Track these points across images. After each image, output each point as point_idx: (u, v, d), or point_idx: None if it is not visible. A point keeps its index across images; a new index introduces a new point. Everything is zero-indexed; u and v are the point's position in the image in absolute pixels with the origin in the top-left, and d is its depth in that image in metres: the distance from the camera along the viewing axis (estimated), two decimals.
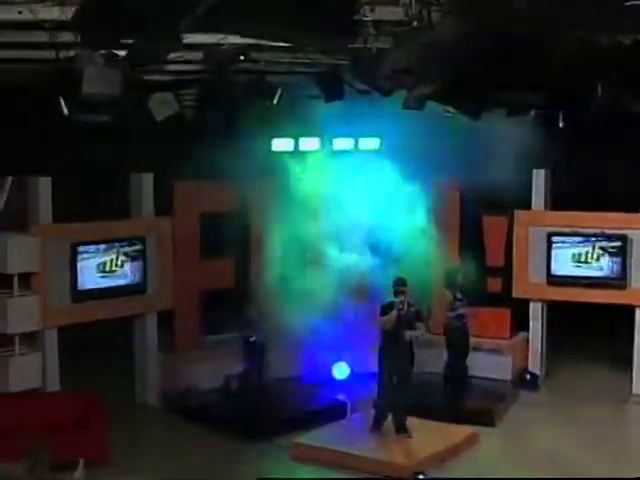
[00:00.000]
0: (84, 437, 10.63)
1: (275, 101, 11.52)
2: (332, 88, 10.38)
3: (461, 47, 5.43)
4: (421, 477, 9.93)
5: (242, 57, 9.04)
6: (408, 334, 11.19)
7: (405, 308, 11.20)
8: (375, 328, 11.62)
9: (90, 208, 12.62)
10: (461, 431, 11.52)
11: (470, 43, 5.39)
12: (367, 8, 6.17)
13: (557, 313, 14.17)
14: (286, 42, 6.61)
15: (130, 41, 6.24)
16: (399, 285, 11.24)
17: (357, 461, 10.65)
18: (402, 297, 11.19)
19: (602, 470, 10.51)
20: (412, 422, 11.49)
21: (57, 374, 12.09)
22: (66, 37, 8.18)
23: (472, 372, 13.51)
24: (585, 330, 14.62)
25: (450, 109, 9.96)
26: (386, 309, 11.25)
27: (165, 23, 4.41)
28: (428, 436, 11.27)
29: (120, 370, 13.32)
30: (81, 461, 9.83)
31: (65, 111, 8.86)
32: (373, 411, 11.65)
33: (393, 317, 11.15)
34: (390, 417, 11.41)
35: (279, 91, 11.46)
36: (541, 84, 7.80)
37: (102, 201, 12.94)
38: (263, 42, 8.28)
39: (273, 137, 13.85)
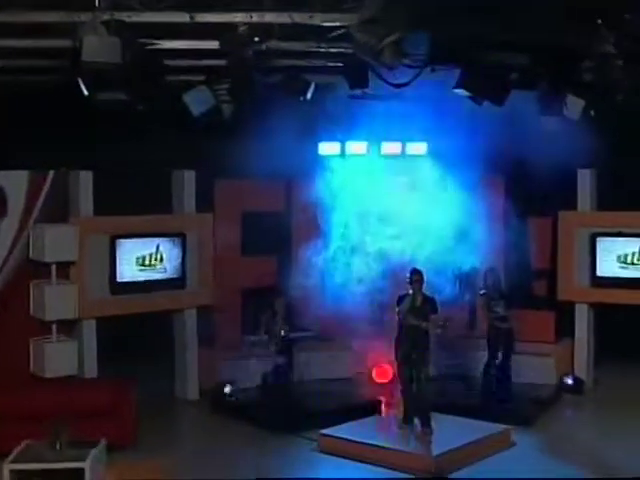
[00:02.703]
0: (111, 421, 10.83)
1: (308, 96, 11.63)
2: (355, 75, 10.42)
3: None
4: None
5: (257, 39, 9.16)
6: (424, 325, 11.11)
7: (419, 298, 11.15)
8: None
9: (134, 204, 12.87)
10: (491, 427, 11.29)
11: None
12: None
13: (607, 317, 13.84)
14: None
15: None
16: (413, 275, 11.21)
17: (377, 453, 10.55)
18: (415, 286, 11.14)
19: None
20: (442, 418, 11.35)
21: (95, 363, 12.35)
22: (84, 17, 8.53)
23: (515, 376, 13.23)
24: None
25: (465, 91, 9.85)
26: (401, 300, 11.22)
27: None
28: (455, 431, 11.11)
29: (163, 364, 13.55)
30: (102, 440, 10.11)
31: (85, 92, 9.09)
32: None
33: (406, 306, 11.11)
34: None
35: (312, 86, 11.58)
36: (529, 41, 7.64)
37: (146, 197, 13.17)
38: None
39: (319, 138, 13.99)
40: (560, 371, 13.64)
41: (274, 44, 9.99)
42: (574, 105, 10.96)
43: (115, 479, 9.96)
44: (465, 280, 13.76)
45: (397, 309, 11.29)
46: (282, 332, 12.49)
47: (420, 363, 11.21)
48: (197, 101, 10.81)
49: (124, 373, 12.11)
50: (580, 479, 9.94)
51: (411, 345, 11.20)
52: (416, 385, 11.26)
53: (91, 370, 12.31)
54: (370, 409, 12.39)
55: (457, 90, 10.35)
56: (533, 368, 13.49)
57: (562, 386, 13.48)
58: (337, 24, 8.64)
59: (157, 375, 13.43)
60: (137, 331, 13.49)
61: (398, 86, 11.21)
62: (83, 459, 9.43)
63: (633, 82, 9.85)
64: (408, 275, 11.28)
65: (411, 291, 11.22)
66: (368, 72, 10.45)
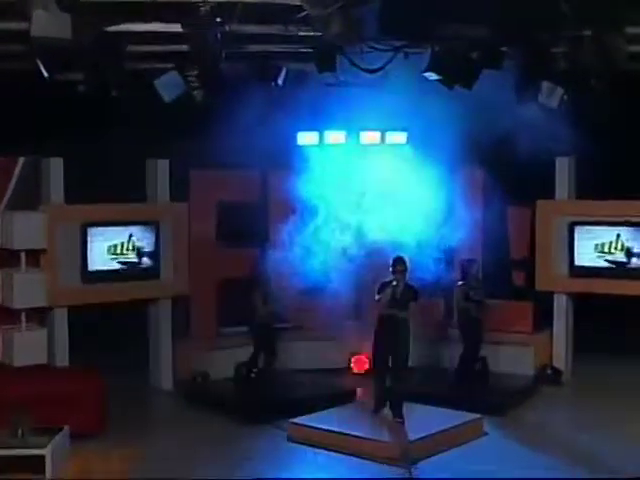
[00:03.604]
0: (78, 409, 10.68)
1: (280, 82, 11.52)
2: (323, 58, 10.31)
3: None
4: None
5: (219, 19, 9.04)
6: (402, 314, 10.96)
7: (400, 288, 10.94)
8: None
9: (108, 193, 12.71)
10: (462, 416, 11.15)
11: None
12: None
13: (588, 307, 13.66)
14: None
15: None
16: (396, 264, 10.98)
17: (346, 441, 10.42)
18: (398, 276, 10.93)
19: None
20: (413, 407, 11.23)
21: (66, 352, 12.24)
22: None
23: (493, 366, 13.18)
24: (619, 324, 14.13)
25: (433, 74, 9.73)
26: (383, 287, 11.02)
27: None
28: (425, 419, 10.99)
29: (139, 354, 13.43)
30: (65, 428, 10.03)
31: (45, 73, 8.98)
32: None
33: (386, 296, 10.90)
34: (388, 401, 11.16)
35: (284, 71, 11.47)
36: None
37: (121, 186, 13.02)
38: None
39: (297, 128, 13.87)
40: (538, 362, 13.50)
41: (240, 27, 9.95)
42: (552, 93, 10.87)
43: (78, 466, 9.92)
44: (450, 258, 13.63)
45: (377, 297, 11.08)
46: (258, 321, 12.41)
47: (398, 352, 11.03)
48: (168, 87, 10.73)
49: (99, 363, 11.95)
50: (539, 479, 9.71)
51: (390, 334, 11.00)
52: (391, 374, 11.10)
53: (62, 359, 12.19)
54: (346, 399, 12.30)
55: (427, 73, 10.28)
56: (511, 359, 13.36)
57: (540, 377, 13.34)
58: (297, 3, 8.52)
59: (132, 365, 13.33)
60: (114, 320, 13.46)
61: (370, 72, 11.17)
62: (44, 446, 9.42)
63: (603, 65, 9.73)
64: (391, 263, 11.04)
65: (395, 282, 10.97)
66: (336, 55, 10.37)
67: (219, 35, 9.78)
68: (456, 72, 9.98)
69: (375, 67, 10.84)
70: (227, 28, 9.44)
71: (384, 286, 11.05)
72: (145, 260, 12.91)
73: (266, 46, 11.03)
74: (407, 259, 11.19)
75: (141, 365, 13.35)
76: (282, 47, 11.11)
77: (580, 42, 9.94)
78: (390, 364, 11.14)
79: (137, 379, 13.19)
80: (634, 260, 12.87)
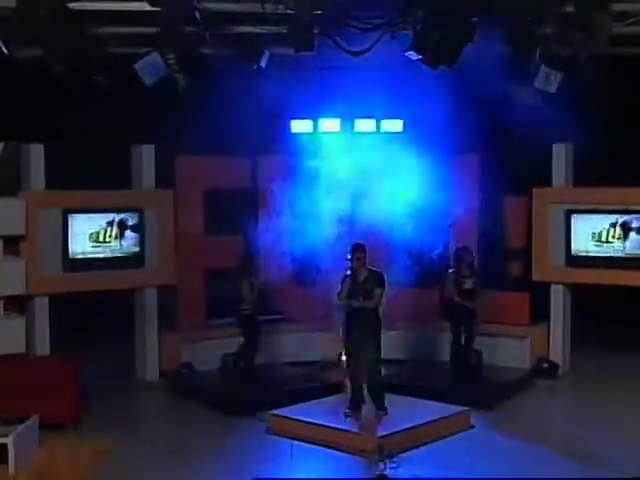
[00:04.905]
0: (53, 399, 10.44)
1: (263, 64, 11.21)
2: (301, 37, 9.99)
3: None
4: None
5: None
6: (367, 304, 10.40)
7: (363, 276, 10.43)
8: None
9: (94, 179, 12.45)
10: (448, 409, 10.79)
11: None
12: None
13: (589, 300, 13.21)
14: None
15: None
16: (355, 252, 10.42)
17: (323, 434, 10.13)
18: (357, 264, 10.40)
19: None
20: (399, 400, 10.94)
21: (47, 341, 12.02)
22: None
23: (489, 359, 12.76)
24: (620, 318, 13.71)
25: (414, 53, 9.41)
26: (343, 280, 10.53)
27: None
28: (409, 412, 10.62)
29: (127, 344, 13.20)
30: (33, 417, 9.80)
31: (4, 50, 8.75)
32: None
33: (345, 287, 10.41)
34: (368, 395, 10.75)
35: (266, 53, 11.16)
36: None
37: (106, 173, 12.73)
38: None
39: (290, 114, 13.57)
40: (535, 355, 13.10)
41: (214, 5, 9.69)
42: (549, 78, 10.51)
43: (45, 456, 9.66)
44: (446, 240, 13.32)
45: (339, 289, 10.55)
46: (244, 311, 12.18)
47: (370, 344, 10.49)
48: (149, 70, 10.47)
49: (84, 353, 11.77)
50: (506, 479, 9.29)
51: (359, 328, 10.52)
52: (368, 369, 10.61)
53: (43, 348, 11.97)
54: (333, 391, 11.94)
55: (409, 53, 9.95)
56: (507, 351, 12.99)
57: (536, 370, 12.93)
58: None
59: (117, 355, 13.15)
60: (99, 310, 13.30)
61: (355, 54, 10.86)
62: (6, 435, 9.19)
63: (588, 44, 9.36)
64: (349, 251, 10.48)
65: (349, 272, 10.46)
66: (314, 35, 10.06)
67: (198, 16, 9.58)
68: (436, 50, 9.66)
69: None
70: (197, 5, 9.20)
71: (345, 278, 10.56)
72: (129, 248, 12.65)
73: (247, 28, 10.75)
74: (366, 246, 10.60)
75: (126, 355, 13.12)
76: (263, 29, 10.81)
77: (566, 20, 9.63)
78: (364, 358, 10.63)
79: (122, 369, 12.99)
80: (632, 235, 12.35)
